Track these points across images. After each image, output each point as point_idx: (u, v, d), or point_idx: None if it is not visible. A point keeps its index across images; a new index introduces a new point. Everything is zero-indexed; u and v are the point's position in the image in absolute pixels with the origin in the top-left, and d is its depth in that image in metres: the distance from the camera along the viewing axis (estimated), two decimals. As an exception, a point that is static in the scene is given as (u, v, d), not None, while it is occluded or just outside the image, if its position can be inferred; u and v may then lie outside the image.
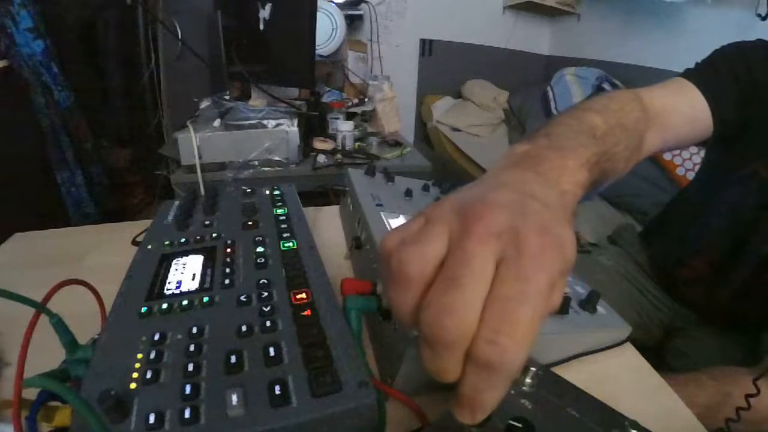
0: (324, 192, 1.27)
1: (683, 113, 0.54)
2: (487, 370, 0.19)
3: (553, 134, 0.34)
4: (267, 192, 0.56)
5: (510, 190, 0.24)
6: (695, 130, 0.56)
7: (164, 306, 0.34)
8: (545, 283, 0.20)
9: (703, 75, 0.57)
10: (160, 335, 0.31)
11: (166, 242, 0.44)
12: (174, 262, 0.41)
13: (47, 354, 0.31)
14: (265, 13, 1.24)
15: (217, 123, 1.21)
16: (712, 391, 0.53)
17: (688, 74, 0.58)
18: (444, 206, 0.23)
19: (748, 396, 0.45)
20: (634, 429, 0.29)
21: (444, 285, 0.20)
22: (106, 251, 0.62)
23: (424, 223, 0.23)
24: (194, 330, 0.31)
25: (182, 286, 0.37)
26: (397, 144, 1.47)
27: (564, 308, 0.43)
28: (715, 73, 0.57)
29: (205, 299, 0.35)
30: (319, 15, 1.23)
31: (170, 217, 0.50)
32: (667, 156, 1.65)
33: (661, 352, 0.77)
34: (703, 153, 1.55)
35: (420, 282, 0.21)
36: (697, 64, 0.61)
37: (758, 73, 0.57)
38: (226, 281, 0.37)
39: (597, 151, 0.34)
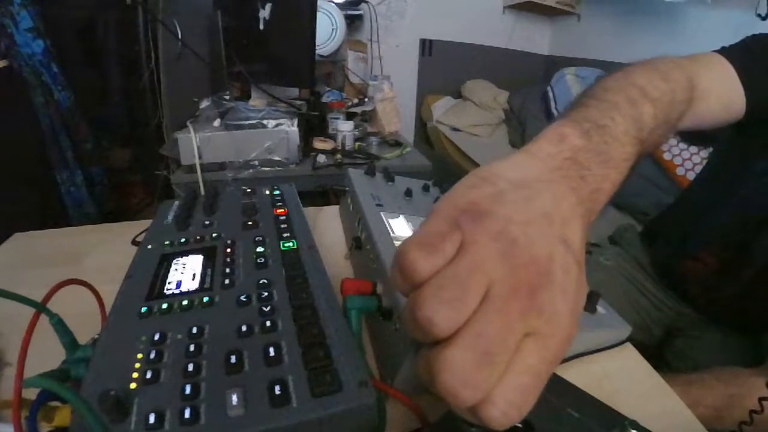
0: (324, 192, 1.27)
1: (722, 97, 0.53)
2: (490, 424, 0.19)
3: (607, 131, 0.29)
4: (267, 192, 0.56)
5: (556, 239, 0.22)
6: (727, 115, 0.55)
7: (164, 306, 0.34)
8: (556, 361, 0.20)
9: (740, 57, 0.55)
10: (160, 335, 0.31)
11: (166, 242, 0.44)
12: (174, 262, 0.41)
13: (47, 354, 0.31)
14: (265, 13, 1.24)
15: (217, 123, 1.21)
16: (717, 393, 0.52)
17: (728, 55, 0.55)
18: (486, 232, 0.21)
19: (761, 399, 0.45)
20: (634, 429, 0.29)
21: (475, 355, 0.18)
22: (106, 251, 0.62)
23: (456, 250, 0.20)
24: (194, 330, 0.31)
25: (182, 286, 0.37)
26: (397, 144, 1.47)
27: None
28: (752, 58, 0.55)
29: (205, 299, 0.35)
30: (319, 15, 1.23)
31: (170, 217, 0.50)
32: (667, 156, 1.65)
33: (661, 352, 0.77)
34: (703, 153, 1.56)
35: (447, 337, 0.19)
36: (732, 45, 0.58)
37: None
38: (226, 281, 0.37)
39: (635, 159, 0.31)
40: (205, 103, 1.35)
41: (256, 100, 1.32)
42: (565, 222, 0.22)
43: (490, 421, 0.19)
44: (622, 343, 0.47)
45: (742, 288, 0.65)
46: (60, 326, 0.31)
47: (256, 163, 1.20)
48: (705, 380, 0.54)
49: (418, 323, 0.19)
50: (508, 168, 0.24)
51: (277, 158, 1.22)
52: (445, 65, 2.73)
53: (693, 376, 0.55)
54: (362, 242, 0.49)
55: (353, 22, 2.20)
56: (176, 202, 0.54)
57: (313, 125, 1.39)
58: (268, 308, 0.33)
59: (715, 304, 0.71)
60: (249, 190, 0.57)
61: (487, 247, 0.20)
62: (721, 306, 0.70)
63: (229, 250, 0.42)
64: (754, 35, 0.59)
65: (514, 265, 0.20)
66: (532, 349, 0.19)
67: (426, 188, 0.62)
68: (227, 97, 1.34)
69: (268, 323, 0.32)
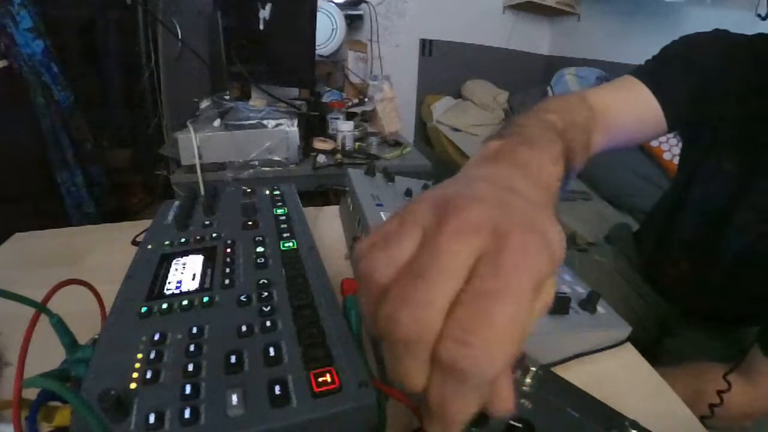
0: (324, 192, 1.27)
1: (629, 112, 0.55)
2: (454, 375, 0.17)
3: (522, 131, 0.34)
4: (267, 192, 0.56)
5: (490, 185, 0.23)
6: (646, 128, 0.57)
7: (164, 306, 0.34)
8: (529, 282, 0.18)
9: (653, 73, 0.57)
10: (160, 335, 0.31)
11: (166, 242, 0.44)
12: (174, 262, 0.41)
13: (47, 354, 0.31)
14: (265, 13, 1.24)
15: (217, 123, 1.21)
16: (686, 387, 0.53)
17: (637, 72, 0.58)
18: (419, 204, 0.21)
19: (720, 392, 0.46)
20: (634, 429, 0.29)
21: (405, 279, 0.18)
22: (106, 251, 0.62)
23: (398, 224, 0.20)
24: (194, 330, 0.31)
25: (182, 286, 0.37)
26: (397, 144, 1.47)
27: (564, 308, 0.43)
28: (666, 71, 0.57)
29: (205, 299, 0.35)
30: (319, 15, 1.23)
31: (170, 217, 0.50)
32: (666, 156, 1.65)
33: (656, 351, 0.77)
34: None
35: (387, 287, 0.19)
36: (647, 61, 0.60)
37: (710, 68, 0.56)
38: (226, 281, 0.37)
39: (562, 147, 0.35)
40: (205, 103, 1.35)
41: (256, 100, 1.32)
42: (501, 177, 0.25)
43: (455, 365, 0.17)
44: (622, 343, 0.47)
45: (716, 288, 0.65)
46: (60, 326, 0.31)
47: (256, 163, 1.20)
48: (676, 374, 0.54)
49: (362, 280, 0.19)
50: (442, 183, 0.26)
51: (277, 158, 1.22)
52: (445, 65, 2.73)
53: (667, 370, 0.55)
54: (362, 242, 0.49)
55: (353, 22, 2.20)
56: (176, 202, 0.54)
57: (313, 125, 1.39)
58: (268, 308, 0.33)
59: (695, 304, 0.71)
60: (249, 190, 0.57)
61: (421, 206, 0.21)
62: (700, 306, 0.71)
63: (229, 250, 0.42)
64: (668, 45, 0.61)
65: (444, 207, 0.20)
66: (481, 269, 0.18)
67: (426, 188, 0.62)
68: (227, 97, 1.34)
69: (268, 323, 0.32)
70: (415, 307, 0.17)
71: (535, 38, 2.85)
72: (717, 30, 0.60)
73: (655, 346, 0.78)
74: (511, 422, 0.28)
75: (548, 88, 2.39)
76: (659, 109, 0.55)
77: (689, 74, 0.56)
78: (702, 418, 0.42)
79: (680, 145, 1.63)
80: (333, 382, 0.27)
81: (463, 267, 0.18)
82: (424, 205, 0.21)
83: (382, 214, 0.49)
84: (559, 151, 0.33)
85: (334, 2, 1.75)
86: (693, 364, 0.58)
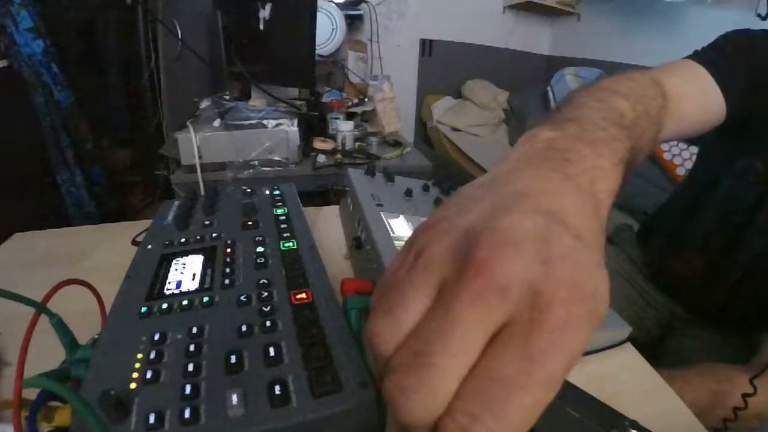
0: (324, 192, 1.27)
1: (697, 100, 0.51)
2: None
3: (581, 119, 0.27)
4: (267, 192, 0.56)
5: (532, 210, 0.17)
6: (708, 118, 0.53)
7: (164, 306, 0.34)
8: (562, 369, 0.14)
9: (713, 59, 0.54)
10: (160, 335, 0.31)
11: (166, 242, 0.44)
12: (174, 262, 0.41)
13: (47, 354, 0.31)
14: (265, 13, 1.24)
15: (217, 123, 1.21)
16: (699, 388, 0.53)
17: (698, 58, 0.55)
18: (437, 237, 0.17)
19: (745, 396, 0.45)
20: (634, 429, 0.29)
21: (409, 357, 0.15)
22: (106, 251, 0.62)
23: (405, 273, 0.17)
24: (194, 330, 0.31)
25: (182, 286, 0.37)
26: (397, 144, 1.47)
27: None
28: (725, 58, 0.55)
29: (205, 299, 0.35)
30: (319, 15, 1.23)
31: (170, 217, 0.50)
32: (667, 156, 1.65)
33: (657, 352, 0.77)
34: (703, 153, 1.56)
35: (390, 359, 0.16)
36: (703, 48, 0.58)
37: (765, 60, 0.55)
38: (226, 281, 0.37)
39: (628, 146, 0.27)
40: (205, 103, 1.35)
41: (256, 100, 1.32)
42: (547, 194, 0.18)
43: None
44: (622, 343, 0.47)
45: (728, 287, 0.65)
46: (60, 326, 0.31)
47: (256, 163, 1.20)
48: (687, 376, 0.54)
49: (367, 343, 0.17)
50: (477, 179, 0.21)
51: (277, 158, 1.22)
52: (445, 65, 2.73)
53: (676, 372, 0.55)
54: (362, 242, 0.49)
55: (353, 22, 2.20)
56: (176, 202, 0.54)
57: (313, 125, 1.39)
58: (268, 308, 0.33)
59: (704, 304, 0.71)
60: (249, 190, 0.57)
61: (439, 245, 0.17)
62: (709, 306, 0.70)
63: (229, 250, 0.42)
64: (724, 35, 0.58)
65: (467, 250, 0.16)
66: (507, 343, 0.15)
67: (426, 188, 0.62)
68: (227, 97, 1.34)
69: (268, 323, 0.32)
70: (415, 393, 0.15)
71: (535, 38, 2.85)
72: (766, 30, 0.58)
73: (655, 347, 0.78)
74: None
75: (548, 88, 2.39)
76: (722, 98, 0.53)
77: (747, 67, 0.54)
78: (725, 421, 0.42)
79: (680, 146, 1.64)
80: (333, 382, 0.27)
81: (479, 342, 0.15)
82: (443, 242, 0.17)
83: (382, 214, 0.49)
84: (623, 152, 0.25)
85: (334, 2, 1.75)
86: (706, 365, 0.57)
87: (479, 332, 0.15)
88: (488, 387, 0.14)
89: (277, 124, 1.20)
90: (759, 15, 1.55)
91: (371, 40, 2.32)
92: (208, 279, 0.38)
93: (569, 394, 0.32)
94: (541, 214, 0.17)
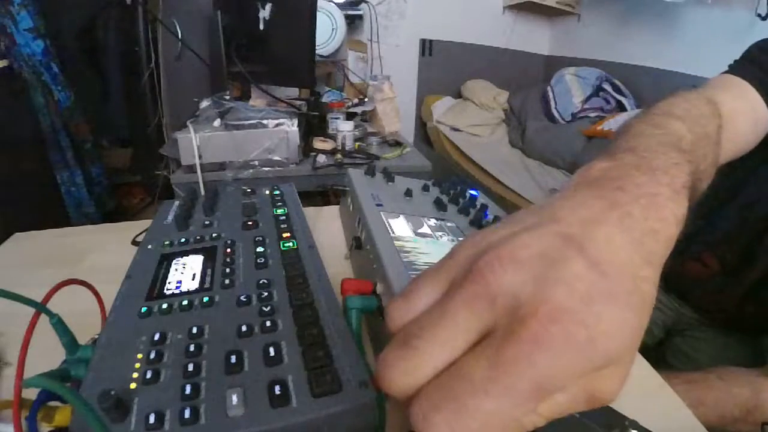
0: (324, 192, 1.27)
1: (749, 117, 0.51)
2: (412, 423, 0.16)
3: (638, 148, 0.26)
4: (267, 192, 0.56)
5: (553, 233, 0.17)
6: (758, 133, 0.53)
7: (164, 306, 0.34)
8: (527, 386, 0.14)
9: (755, 73, 0.53)
10: (160, 335, 0.31)
11: (166, 242, 0.44)
12: (174, 262, 0.41)
13: (47, 354, 0.30)
14: (265, 13, 1.24)
15: (217, 123, 1.21)
16: (720, 392, 0.52)
17: (739, 72, 0.54)
18: (470, 243, 0.19)
19: None
20: (634, 429, 0.29)
21: (401, 339, 0.17)
22: (106, 251, 0.62)
23: (435, 268, 0.19)
24: (194, 330, 0.31)
25: (182, 286, 0.37)
26: (397, 144, 1.47)
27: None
28: (761, 70, 0.54)
29: (205, 299, 0.35)
30: (319, 15, 1.23)
31: (170, 217, 0.50)
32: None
33: (660, 352, 0.77)
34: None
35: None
36: (737, 61, 0.58)
37: None
38: (226, 281, 0.37)
39: (689, 170, 0.25)
40: (205, 103, 1.35)
41: (256, 100, 1.32)
42: (580, 221, 0.18)
43: (410, 418, 0.16)
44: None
45: (744, 290, 0.65)
46: (60, 326, 0.31)
47: (256, 163, 1.21)
48: (708, 380, 0.54)
49: (385, 316, 0.19)
50: (533, 205, 0.22)
51: (277, 158, 1.22)
52: (445, 65, 2.73)
53: (696, 375, 0.55)
54: (362, 242, 0.49)
55: (353, 22, 2.20)
56: (176, 202, 0.54)
57: (313, 125, 1.39)
58: (268, 308, 0.33)
59: (716, 305, 0.71)
60: (249, 190, 0.57)
61: (460, 253, 0.19)
62: (721, 308, 0.70)
63: (229, 250, 0.42)
64: (756, 45, 0.58)
65: (477, 258, 0.17)
66: (480, 349, 0.16)
67: (426, 188, 0.62)
68: (227, 97, 1.34)
69: (268, 323, 0.32)
70: (394, 368, 0.17)
71: (535, 38, 2.85)
72: None
73: (657, 348, 0.78)
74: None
75: (548, 88, 2.40)
76: (766, 113, 0.52)
77: None
78: (764, 425, 0.42)
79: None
80: (333, 381, 0.27)
81: (463, 339, 0.16)
82: (468, 250, 0.19)
83: (382, 214, 0.49)
84: (684, 177, 0.24)
85: (334, 2, 1.75)
86: (724, 368, 0.57)
87: (464, 331, 0.16)
88: (456, 384, 0.15)
89: (277, 124, 1.20)
90: (759, 15, 1.55)
91: (371, 40, 2.32)
92: (208, 279, 0.38)
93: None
94: (560, 237, 0.17)
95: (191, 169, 1.16)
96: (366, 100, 1.60)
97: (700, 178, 0.29)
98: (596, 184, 0.22)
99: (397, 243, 0.43)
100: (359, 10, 2.24)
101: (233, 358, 0.28)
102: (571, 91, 2.26)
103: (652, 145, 0.26)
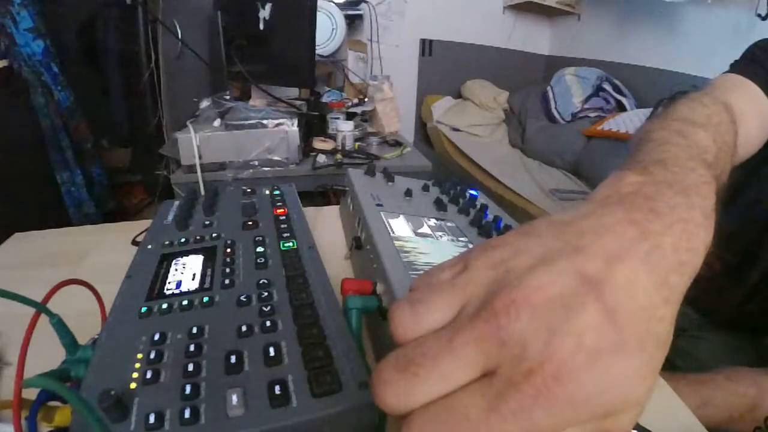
0: (324, 192, 1.27)
1: (757, 119, 0.50)
2: None
3: (669, 161, 0.24)
4: (267, 192, 0.56)
5: (573, 271, 0.16)
6: (763, 135, 0.52)
7: (164, 306, 0.34)
8: None
9: (759, 73, 0.53)
10: (160, 335, 0.31)
11: (166, 242, 0.44)
12: (174, 262, 0.41)
13: (47, 354, 0.31)
14: (265, 13, 1.24)
15: (217, 123, 1.21)
16: (728, 392, 0.52)
17: (743, 73, 0.53)
18: (489, 261, 0.18)
19: None
20: (634, 429, 0.29)
21: (402, 360, 0.16)
22: (106, 251, 0.62)
23: (456, 272, 0.19)
24: (194, 330, 0.31)
25: (182, 286, 0.37)
26: (397, 144, 1.47)
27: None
28: (764, 69, 0.53)
29: (205, 299, 0.35)
30: (319, 15, 1.23)
31: (170, 217, 0.50)
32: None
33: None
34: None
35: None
36: (738, 61, 0.57)
37: None
38: (226, 281, 0.37)
39: (716, 188, 0.24)
40: (205, 103, 1.35)
41: (256, 100, 1.32)
42: (605, 255, 0.17)
43: None
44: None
45: (746, 291, 0.65)
46: (60, 326, 0.31)
47: (256, 163, 1.21)
48: (716, 380, 0.54)
49: (389, 316, 0.18)
50: (557, 214, 0.21)
51: (277, 158, 1.22)
52: (445, 65, 2.73)
53: (704, 376, 0.55)
54: (362, 242, 0.49)
55: (353, 22, 2.20)
56: (176, 202, 0.54)
57: (313, 125, 1.39)
58: (268, 308, 0.33)
59: (717, 305, 0.71)
60: (249, 190, 0.57)
61: (478, 272, 0.18)
62: (724, 308, 0.70)
63: (229, 250, 0.42)
64: (756, 45, 0.57)
65: (494, 292, 0.17)
66: (478, 387, 0.15)
67: (426, 188, 0.62)
68: (227, 97, 1.34)
69: (268, 323, 0.32)
70: (390, 389, 0.16)
71: (535, 38, 2.85)
72: None
73: None
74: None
75: (548, 88, 2.40)
76: None
77: None
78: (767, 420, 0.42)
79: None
80: (333, 381, 0.27)
81: (464, 375, 0.16)
82: (488, 273, 0.18)
83: (382, 214, 0.49)
84: (713, 199, 0.23)
85: (334, 2, 1.75)
86: (733, 368, 0.56)
87: (467, 367, 0.16)
88: (447, 416, 0.15)
89: (277, 124, 1.20)
90: (759, 15, 1.55)
91: (371, 40, 2.32)
92: (208, 279, 0.38)
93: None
94: (579, 278, 0.16)
95: (191, 169, 1.16)
96: (366, 100, 1.60)
97: (719, 190, 0.28)
98: (628, 201, 0.20)
99: (397, 243, 0.43)
100: (359, 10, 2.24)
101: (233, 358, 0.28)
102: (571, 91, 2.26)
103: (682, 159, 0.25)
